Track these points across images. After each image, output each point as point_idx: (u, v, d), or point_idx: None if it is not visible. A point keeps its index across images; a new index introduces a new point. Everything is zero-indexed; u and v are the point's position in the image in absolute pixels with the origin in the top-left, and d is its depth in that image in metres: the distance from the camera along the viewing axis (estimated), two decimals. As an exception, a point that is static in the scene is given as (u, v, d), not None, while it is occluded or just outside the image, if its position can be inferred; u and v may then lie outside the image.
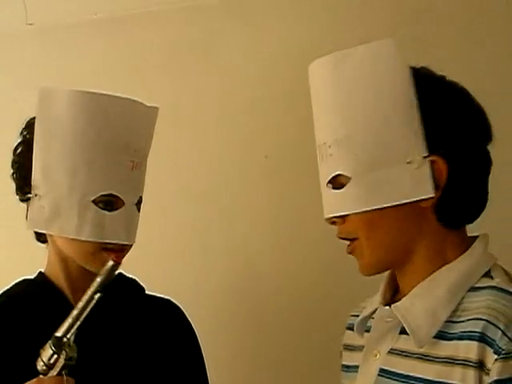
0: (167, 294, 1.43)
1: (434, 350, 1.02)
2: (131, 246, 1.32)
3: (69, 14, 1.89)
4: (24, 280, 1.35)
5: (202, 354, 1.40)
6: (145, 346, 1.31)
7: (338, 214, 1.10)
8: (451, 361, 0.99)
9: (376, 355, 1.09)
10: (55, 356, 1.11)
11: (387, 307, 1.09)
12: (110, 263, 1.12)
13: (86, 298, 1.12)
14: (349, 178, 1.06)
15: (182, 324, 1.40)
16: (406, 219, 1.06)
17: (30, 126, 1.30)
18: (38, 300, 1.30)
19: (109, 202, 1.26)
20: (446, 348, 1.01)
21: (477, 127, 1.09)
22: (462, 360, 0.98)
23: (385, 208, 1.05)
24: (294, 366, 1.71)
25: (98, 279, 1.13)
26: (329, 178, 1.10)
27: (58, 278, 1.32)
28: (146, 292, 1.40)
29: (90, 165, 1.24)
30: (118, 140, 1.26)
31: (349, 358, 1.21)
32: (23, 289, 1.33)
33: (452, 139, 1.05)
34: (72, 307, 1.27)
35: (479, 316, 0.99)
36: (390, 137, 1.04)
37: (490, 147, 1.12)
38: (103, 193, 1.25)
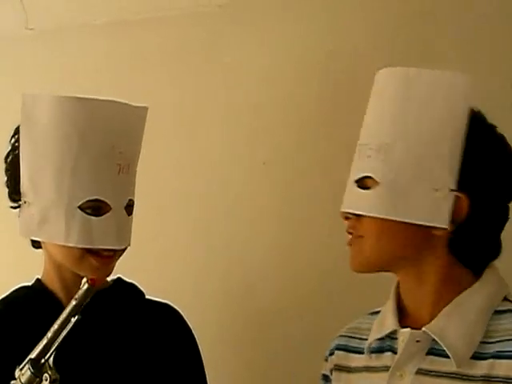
0: (166, 298, 1.43)
1: (468, 369, 1.07)
2: (123, 250, 1.32)
3: (69, 18, 1.89)
4: (22, 287, 1.36)
5: (201, 358, 1.40)
6: (143, 351, 1.31)
7: (355, 212, 1.15)
8: (490, 379, 1.05)
9: (401, 375, 1.12)
10: (37, 379, 1.07)
11: (407, 329, 1.13)
12: (85, 287, 1.09)
13: (60, 320, 1.10)
14: (377, 183, 1.11)
15: (180, 328, 1.39)
16: (414, 240, 1.12)
17: (17, 133, 1.31)
18: (35, 307, 1.31)
19: (95, 208, 1.25)
20: (482, 367, 1.06)
21: (508, 183, 1.14)
22: (502, 378, 1.04)
23: (399, 222, 1.10)
24: (296, 370, 1.71)
25: (74, 302, 1.10)
26: (359, 177, 1.15)
27: (54, 284, 1.32)
28: (146, 297, 1.40)
29: (75, 170, 1.24)
30: (103, 143, 1.26)
31: (346, 380, 1.23)
32: (21, 296, 1.34)
33: (482, 185, 1.11)
34: None
35: None
36: (429, 160, 1.09)
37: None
38: (89, 198, 1.24)
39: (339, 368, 1.25)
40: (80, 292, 1.10)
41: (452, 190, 1.08)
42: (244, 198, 1.77)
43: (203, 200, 1.80)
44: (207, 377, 1.41)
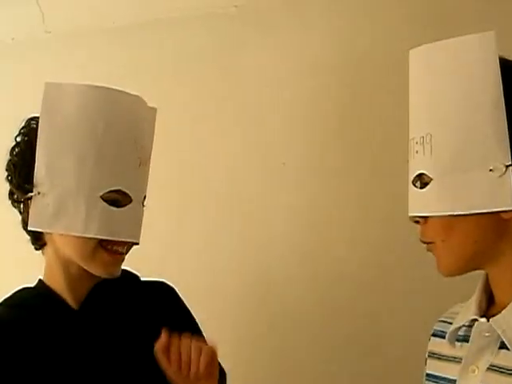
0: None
1: None
2: (131, 247, 1.29)
3: (86, 22, 1.92)
4: (24, 288, 1.33)
5: (198, 327, 1.38)
6: (147, 330, 1.28)
7: (418, 214, 1.07)
8: None
9: (474, 371, 1.02)
10: None
11: (483, 319, 1.04)
12: None
13: None
14: (431, 179, 1.03)
15: (174, 302, 1.38)
16: (486, 229, 1.01)
17: (29, 124, 1.29)
18: (39, 309, 1.28)
19: (116, 199, 1.23)
20: None
21: None
22: None
23: (463, 215, 1.01)
24: (311, 373, 1.70)
25: None
26: (413, 176, 1.07)
27: (58, 282, 1.28)
28: (142, 279, 1.39)
29: (99, 159, 1.22)
30: (127, 135, 1.25)
31: (436, 368, 1.14)
32: (24, 297, 1.31)
33: None
34: (72, 311, 1.27)
35: None
36: (474, 139, 0.99)
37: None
38: (112, 188, 1.22)
39: (431, 355, 1.17)
40: None
41: (508, 166, 0.97)
42: (264, 198, 1.76)
43: (222, 200, 1.80)
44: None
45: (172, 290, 1.39)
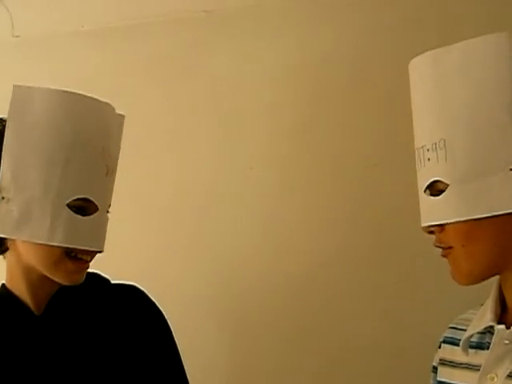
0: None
1: None
2: (95, 255, 1.28)
3: (55, 26, 1.91)
4: None
5: (172, 336, 1.37)
6: (115, 337, 1.28)
7: (435, 223, 1.04)
8: None
9: (493, 378, 1.01)
10: None
11: (501, 326, 1.02)
12: None
13: None
14: (447, 185, 1.00)
15: (148, 307, 1.36)
16: (506, 230, 0.99)
17: None
18: (2, 314, 1.27)
19: (83, 207, 1.22)
20: None
21: None
22: None
23: (484, 218, 0.98)
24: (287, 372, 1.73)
25: None
26: (426, 184, 1.04)
27: (20, 288, 1.27)
28: (112, 282, 1.37)
29: (66, 165, 1.20)
30: (95, 142, 1.23)
31: (450, 375, 1.12)
32: None
33: None
34: (34, 317, 1.26)
35: None
36: (492, 141, 0.97)
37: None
38: (79, 196, 1.21)
39: (443, 362, 1.15)
40: None
41: None
42: (232, 202, 1.78)
43: (191, 204, 1.81)
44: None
45: (142, 293, 1.37)
